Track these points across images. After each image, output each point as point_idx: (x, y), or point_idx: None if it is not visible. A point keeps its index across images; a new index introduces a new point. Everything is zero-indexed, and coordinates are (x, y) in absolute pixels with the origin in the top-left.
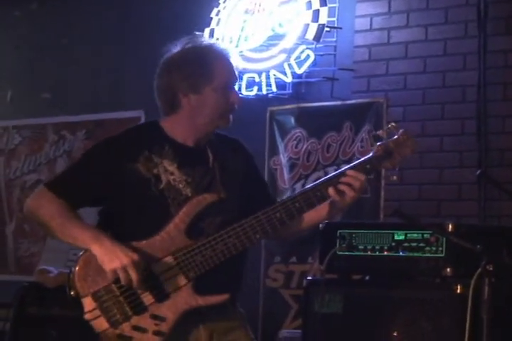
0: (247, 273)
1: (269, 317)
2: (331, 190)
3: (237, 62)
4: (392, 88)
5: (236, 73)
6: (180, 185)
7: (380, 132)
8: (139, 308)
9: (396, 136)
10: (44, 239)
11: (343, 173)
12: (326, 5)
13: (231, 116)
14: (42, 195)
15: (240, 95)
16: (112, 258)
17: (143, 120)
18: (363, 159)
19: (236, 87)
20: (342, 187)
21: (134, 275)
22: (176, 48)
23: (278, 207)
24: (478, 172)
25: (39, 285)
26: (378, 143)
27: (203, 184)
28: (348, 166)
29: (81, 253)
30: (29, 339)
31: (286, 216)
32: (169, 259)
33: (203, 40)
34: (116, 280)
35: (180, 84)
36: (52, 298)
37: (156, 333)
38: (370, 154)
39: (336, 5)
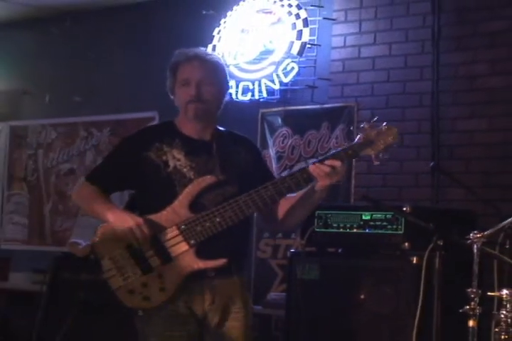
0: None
1: (259, 282)
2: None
3: (218, 63)
4: (362, 94)
5: (199, 72)
6: (185, 169)
7: (365, 124)
8: (148, 269)
9: (379, 128)
10: (75, 217)
11: (324, 159)
12: (307, 26)
13: (197, 108)
14: (81, 184)
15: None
16: (121, 221)
17: (157, 119)
18: (346, 146)
19: (198, 83)
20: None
21: (138, 234)
22: None
23: (269, 186)
24: (432, 164)
25: (70, 255)
26: (361, 134)
27: (205, 169)
28: (333, 152)
29: (100, 225)
30: (61, 299)
31: (276, 193)
32: (173, 229)
33: (180, 51)
34: (129, 246)
35: (168, 89)
36: (81, 265)
37: (161, 289)
38: (354, 142)
39: (316, 26)
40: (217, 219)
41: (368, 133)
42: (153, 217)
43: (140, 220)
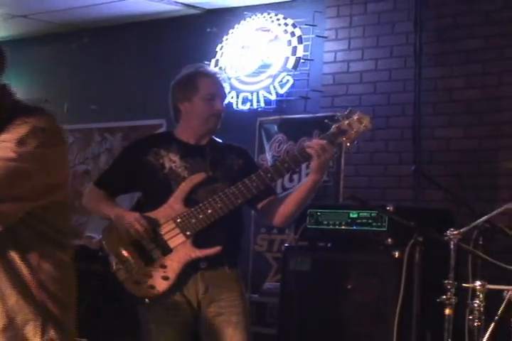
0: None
1: (256, 273)
2: (309, 150)
3: (226, 83)
4: (351, 105)
5: (221, 89)
6: (180, 170)
7: (339, 115)
8: (150, 260)
9: (351, 118)
10: (89, 213)
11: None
12: (302, 43)
13: (218, 121)
14: (89, 189)
15: (225, 105)
16: (122, 217)
17: (164, 126)
18: (321, 136)
19: (222, 99)
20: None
21: (138, 227)
22: (180, 73)
23: (253, 177)
24: (413, 168)
25: (85, 247)
26: (335, 124)
27: (198, 169)
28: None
29: (104, 227)
30: (77, 287)
31: (261, 184)
32: (170, 223)
33: (198, 66)
34: (132, 242)
35: (177, 96)
36: (94, 257)
37: (164, 278)
38: (328, 132)
39: (310, 43)
40: (209, 211)
41: (340, 124)
42: (151, 213)
43: (138, 215)
